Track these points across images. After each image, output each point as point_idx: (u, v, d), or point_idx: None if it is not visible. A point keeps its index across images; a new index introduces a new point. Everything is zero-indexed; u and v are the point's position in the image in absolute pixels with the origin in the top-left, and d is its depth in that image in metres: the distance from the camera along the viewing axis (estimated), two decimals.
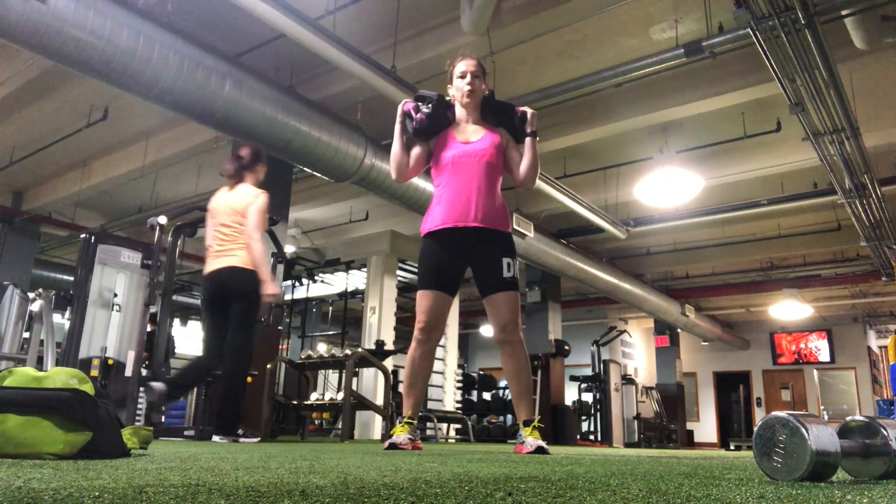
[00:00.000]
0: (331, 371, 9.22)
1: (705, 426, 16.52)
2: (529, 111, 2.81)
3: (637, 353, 16.45)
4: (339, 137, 5.61)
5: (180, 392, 4.18)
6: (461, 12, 5.31)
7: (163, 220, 4.98)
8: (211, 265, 3.77)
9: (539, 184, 6.84)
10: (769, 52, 4.44)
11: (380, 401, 6.35)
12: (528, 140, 2.81)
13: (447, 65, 2.92)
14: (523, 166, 2.82)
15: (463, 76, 2.82)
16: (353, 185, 6.26)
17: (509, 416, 10.17)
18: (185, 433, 4.85)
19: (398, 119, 2.84)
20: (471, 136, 2.82)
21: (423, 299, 2.75)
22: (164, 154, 7.74)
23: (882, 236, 7.80)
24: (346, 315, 11.65)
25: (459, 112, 2.87)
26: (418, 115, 2.80)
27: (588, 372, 11.90)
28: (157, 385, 3.73)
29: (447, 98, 2.88)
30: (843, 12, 4.77)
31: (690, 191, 7.64)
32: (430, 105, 2.80)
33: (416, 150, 2.87)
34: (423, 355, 2.76)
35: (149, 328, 5.05)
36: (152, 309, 5.19)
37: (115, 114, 6.99)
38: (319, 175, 6.07)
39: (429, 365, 2.82)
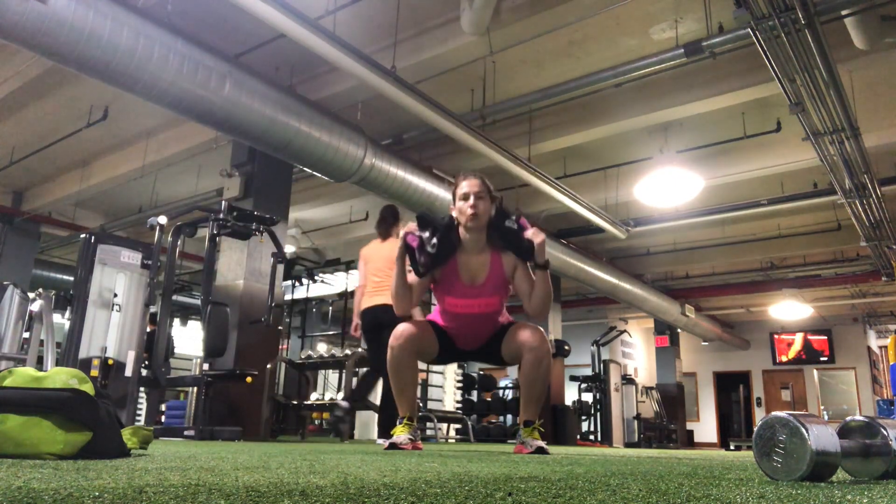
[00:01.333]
0: (331, 371, 9.21)
1: (705, 426, 16.51)
2: (538, 240, 2.62)
3: (637, 353, 16.45)
4: (339, 137, 5.61)
5: (359, 404, 5.39)
6: (461, 12, 5.31)
7: (163, 220, 4.98)
8: (368, 301, 4.57)
9: (539, 184, 6.84)
10: (769, 52, 4.44)
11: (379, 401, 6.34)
12: (538, 273, 2.69)
13: (452, 182, 2.82)
14: (534, 301, 2.70)
15: (466, 198, 2.67)
16: (353, 185, 6.26)
17: (509, 416, 10.16)
18: (185, 433, 4.85)
19: (399, 251, 2.69)
20: (476, 275, 2.72)
21: (420, 322, 2.82)
22: (164, 154, 7.74)
23: (882, 236, 7.80)
24: (346, 315, 11.65)
25: (464, 234, 2.72)
26: (423, 257, 2.66)
27: (588, 372, 11.90)
28: (342, 403, 5.07)
29: (452, 220, 2.73)
30: (843, 12, 4.77)
31: (690, 191, 7.64)
32: (434, 242, 2.65)
33: (419, 282, 2.75)
34: (408, 359, 2.75)
35: (149, 328, 5.05)
36: (152, 309, 5.19)
37: (115, 114, 6.99)
38: (319, 175, 6.07)
39: (415, 362, 2.81)
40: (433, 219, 2.71)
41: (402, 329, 2.73)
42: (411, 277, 2.75)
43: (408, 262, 2.72)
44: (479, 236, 2.71)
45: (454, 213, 2.73)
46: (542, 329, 2.75)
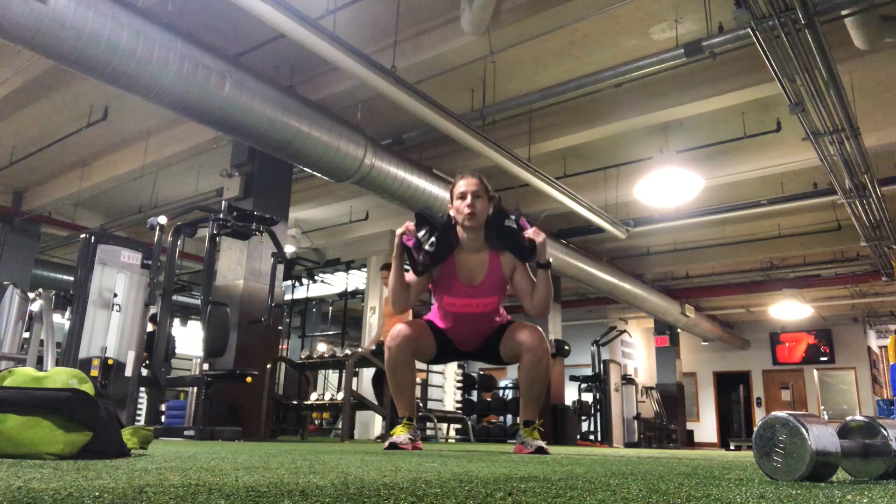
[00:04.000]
0: (331, 371, 9.22)
1: (705, 426, 16.51)
2: (539, 239, 2.61)
3: (637, 353, 16.45)
4: (339, 137, 5.61)
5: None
6: (461, 12, 5.31)
7: (163, 220, 4.98)
8: None
9: (539, 184, 6.84)
10: (769, 52, 4.44)
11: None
12: (539, 273, 2.68)
13: (451, 182, 2.81)
14: (535, 301, 2.70)
15: (463, 197, 2.66)
16: (353, 185, 6.26)
17: (509, 416, 10.16)
18: (185, 433, 4.85)
19: (396, 250, 2.68)
20: (474, 275, 2.71)
21: (416, 322, 2.81)
22: (164, 154, 7.74)
23: (882, 236, 7.80)
24: (346, 315, 11.66)
25: (462, 233, 2.71)
26: (420, 257, 2.64)
27: (588, 372, 11.90)
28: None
29: (450, 218, 2.72)
30: (843, 12, 4.77)
31: (690, 191, 7.64)
32: (432, 241, 2.63)
33: (416, 282, 2.75)
34: (406, 360, 2.74)
35: (149, 328, 5.05)
36: (152, 309, 5.18)
37: (115, 114, 6.99)
38: (319, 175, 6.07)
39: (412, 363, 2.81)
40: (431, 217, 2.69)
41: (399, 330, 2.73)
42: (409, 276, 2.74)
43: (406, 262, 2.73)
44: (477, 236, 2.71)
45: (452, 213, 2.72)
46: (540, 329, 2.74)
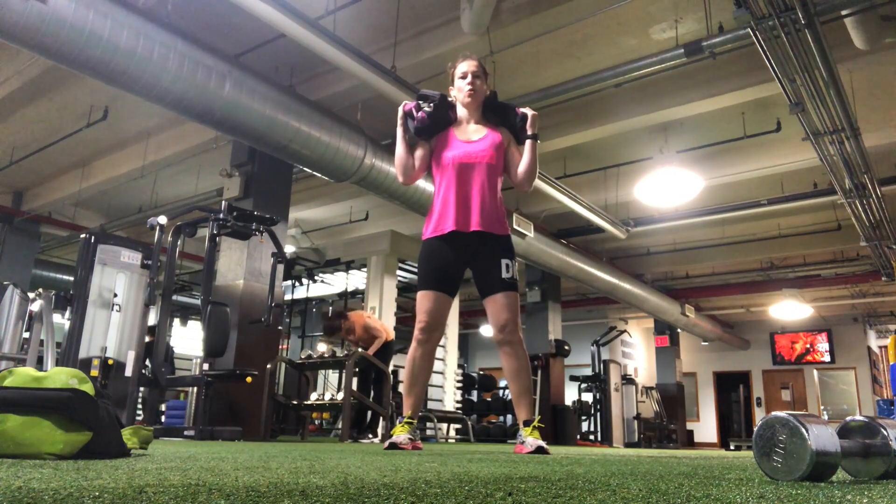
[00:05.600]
0: (331, 371, 9.22)
1: (705, 426, 16.51)
2: (530, 113, 2.79)
3: (637, 353, 16.45)
4: (339, 137, 5.61)
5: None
6: (461, 12, 5.31)
7: (163, 220, 4.98)
8: None
9: (539, 184, 6.84)
10: (769, 52, 4.44)
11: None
12: (527, 142, 2.81)
13: (448, 66, 2.93)
14: (521, 168, 2.82)
15: (464, 76, 2.82)
16: (353, 185, 6.26)
17: (509, 416, 10.16)
18: (185, 433, 4.85)
19: (399, 120, 2.83)
20: (472, 136, 2.82)
21: (423, 300, 2.76)
22: (164, 154, 7.74)
23: (882, 236, 7.80)
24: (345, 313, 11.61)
25: (461, 112, 2.87)
26: (420, 114, 2.79)
27: (588, 372, 11.90)
28: None
29: (449, 98, 2.87)
30: (843, 12, 4.77)
31: (690, 191, 7.64)
32: (431, 104, 2.79)
33: (419, 151, 2.86)
34: (424, 355, 2.77)
35: (147, 339, 5.04)
36: (151, 318, 5.16)
37: (115, 114, 6.99)
38: (319, 175, 6.07)
39: (429, 365, 2.83)
40: (432, 93, 2.84)
41: (420, 324, 2.73)
42: (414, 153, 2.84)
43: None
44: (475, 113, 2.87)
45: (453, 92, 2.87)
46: (518, 312, 2.73)
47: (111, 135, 7.76)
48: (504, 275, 2.74)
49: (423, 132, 2.83)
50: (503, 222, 2.82)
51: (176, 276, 6.69)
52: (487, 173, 2.76)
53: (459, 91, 2.83)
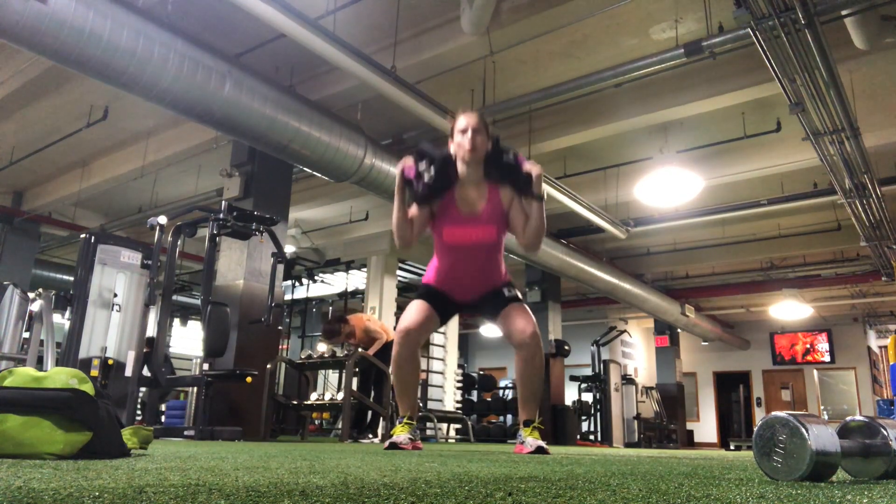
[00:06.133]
0: (331, 371, 9.22)
1: (705, 426, 16.51)
2: (535, 172, 2.66)
3: (637, 353, 16.44)
4: (339, 137, 5.61)
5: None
6: (461, 12, 5.31)
7: (163, 220, 4.98)
8: None
9: None
10: (769, 52, 4.44)
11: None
12: (534, 206, 2.70)
13: (448, 119, 2.88)
14: (528, 233, 2.72)
15: (464, 132, 2.71)
16: (353, 185, 6.26)
17: (509, 416, 10.17)
18: (185, 433, 4.85)
19: (398, 183, 2.71)
20: (473, 205, 2.73)
21: (414, 307, 2.80)
22: (164, 154, 7.74)
23: (882, 236, 7.80)
24: (345, 315, 11.61)
25: (461, 168, 2.75)
26: (420, 186, 2.67)
27: (588, 372, 11.90)
28: None
29: (449, 154, 2.76)
30: (843, 12, 4.77)
31: (690, 191, 7.64)
32: (431, 171, 2.66)
33: (418, 216, 2.75)
34: (409, 356, 2.76)
35: (144, 350, 5.03)
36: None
37: (115, 114, 6.99)
38: (319, 175, 6.07)
39: (416, 364, 2.82)
40: (431, 151, 2.74)
41: (406, 326, 2.74)
42: (412, 212, 2.76)
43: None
44: (476, 170, 2.75)
45: (452, 148, 2.77)
46: (534, 321, 2.74)
47: (111, 135, 7.76)
48: (507, 294, 2.80)
49: (423, 202, 2.73)
50: (502, 277, 2.85)
51: (176, 276, 6.69)
52: (488, 252, 2.78)
53: (459, 147, 2.72)
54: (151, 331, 5.37)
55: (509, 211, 2.76)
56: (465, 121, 2.73)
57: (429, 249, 2.90)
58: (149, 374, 5.07)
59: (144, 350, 4.94)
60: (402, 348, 2.73)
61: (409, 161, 2.72)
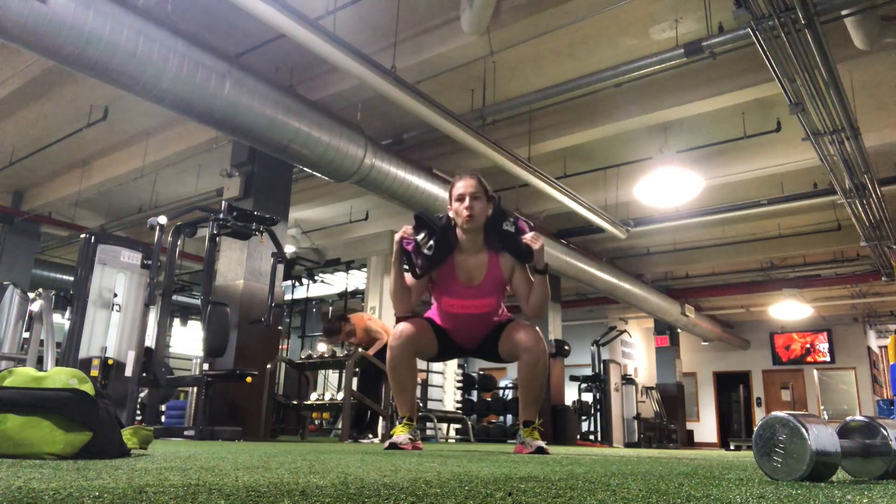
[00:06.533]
0: (331, 371, 9.22)
1: (705, 426, 16.51)
2: (536, 246, 2.61)
3: (637, 353, 16.44)
4: (339, 137, 5.61)
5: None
6: (461, 12, 5.31)
7: (163, 220, 4.98)
8: None
9: (539, 184, 6.84)
10: (769, 52, 4.44)
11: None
12: (537, 277, 2.69)
13: (449, 188, 2.79)
14: (532, 303, 2.71)
15: (461, 199, 2.65)
16: (353, 185, 6.26)
17: (509, 416, 10.16)
18: (185, 433, 4.85)
19: (395, 254, 2.68)
20: (473, 275, 2.71)
21: (416, 320, 2.80)
22: (164, 154, 7.74)
23: (882, 236, 7.80)
24: (345, 315, 11.61)
25: (461, 234, 2.70)
26: (419, 261, 2.64)
27: (588, 372, 11.90)
28: None
29: (449, 221, 2.71)
30: (843, 12, 4.77)
31: (690, 191, 7.64)
32: (430, 244, 2.62)
33: (417, 284, 2.74)
34: (404, 359, 2.75)
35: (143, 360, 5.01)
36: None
37: (115, 114, 6.99)
38: (319, 175, 6.07)
39: (413, 365, 2.82)
40: (430, 219, 2.68)
41: (401, 329, 2.74)
42: (409, 279, 2.74)
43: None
44: (476, 237, 2.71)
45: (451, 214, 2.71)
46: (538, 329, 2.75)
47: (111, 135, 7.76)
48: (503, 322, 2.82)
49: (423, 276, 2.70)
50: (502, 319, 2.86)
51: (176, 276, 6.68)
52: (486, 317, 2.79)
53: (458, 215, 2.66)
54: (151, 333, 5.37)
55: (511, 278, 2.74)
56: (462, 187, 2.67)
57: None
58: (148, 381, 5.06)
59: (143, 361, 4.92)
60: (396, 351, 2.72)
61: (407, 229, 2.66)
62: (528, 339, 2.68)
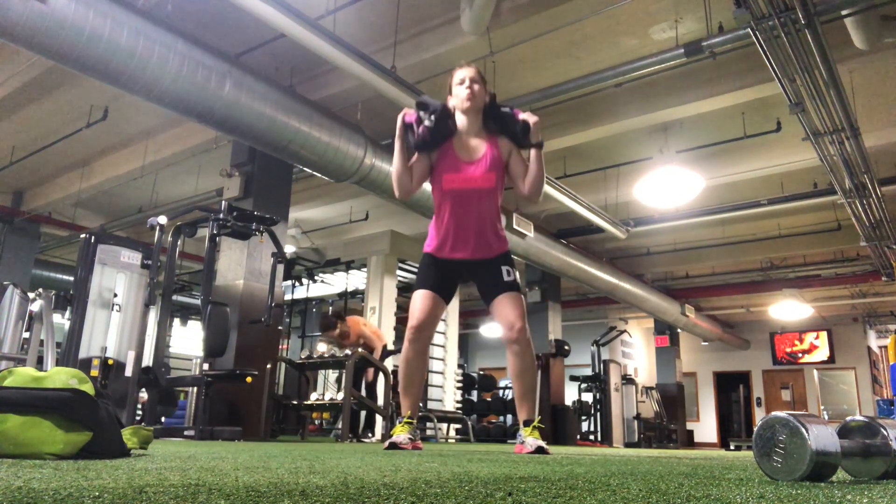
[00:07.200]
0: (331, 371, 9.21)
1: (705, 426, 16.51)
2: (532, 120, 2.71)
3: (637, 353, 16.44)
4: (339, 137, 5.61)
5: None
6: (461, 12, 5.31)
7: (163, 220, 4.98)
8: None
9: None
10: (769, 52, 4.44)
11: (380, 401, 6.34)
12: (532, 152, 2.74)
13: (449, 74, 2.88)
14: (528, 180, 2.76)
15: (462, 83, 2.76)
16: (353, 185, 6.26)
17: (509, 416, 10.16)
18: (185, 433, 4.85)
19: (398, 131, 2.75)
20: (473, 153, 2.77)
21: (418, 298, 2.79)
22: (164, 154, 7.74)
23: (882, 236, 7.80)
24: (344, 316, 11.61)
25: (460, 120, 2.80)
26: (420, 129, 2.71)
27: (588, 372, 11.90)
28: None
29: (449, 107, 2.81)
30: (843, 12, 4.77)
31: (690, 191, 7.64)
32: (432, 117, 2.71)
33: (418, 165, 2.79)
34: (417, 355, 2.78)
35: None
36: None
37: (115, 114, 6.99)
38: (319, 175, 6.07)
39: (424, 364, 2.84)
40: (431, 101, 2.78)
41: (414, 322, 2.74)
42: (411, 160, 2.79)
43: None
44: (475, 121, 2.80)
45: (451, 101, 2.81)
46: (524, 313, 2.75)
47: (111, 135, 7.76)
48: (506, 278, 2.77)
49: (423, 147, 2.77)
50: (502, 240, 2.84)
51: (176, 276, 6.68)
52: (487, 199, 2.76)
53: (458, 98, 2.77)
54: (151, 333, 5.37)
55: (508, 161, 2.80)
56: (463, 72, 2.79)
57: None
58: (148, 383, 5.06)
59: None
60: (411, 345, 2.75)
61: (409, 109, 2.79)
62: (513, 329, 2.70)
